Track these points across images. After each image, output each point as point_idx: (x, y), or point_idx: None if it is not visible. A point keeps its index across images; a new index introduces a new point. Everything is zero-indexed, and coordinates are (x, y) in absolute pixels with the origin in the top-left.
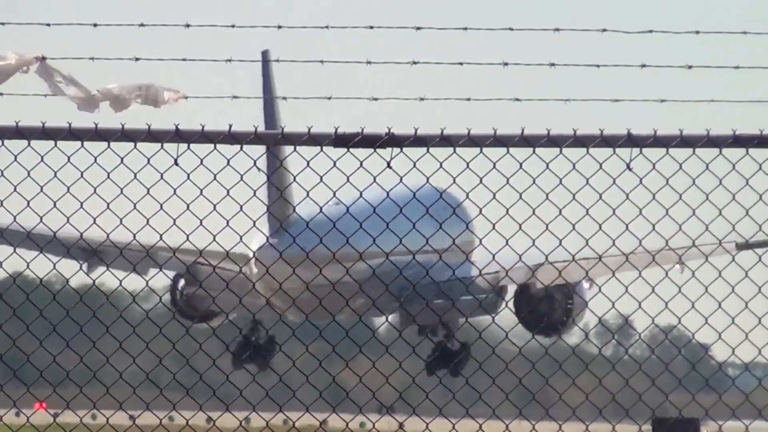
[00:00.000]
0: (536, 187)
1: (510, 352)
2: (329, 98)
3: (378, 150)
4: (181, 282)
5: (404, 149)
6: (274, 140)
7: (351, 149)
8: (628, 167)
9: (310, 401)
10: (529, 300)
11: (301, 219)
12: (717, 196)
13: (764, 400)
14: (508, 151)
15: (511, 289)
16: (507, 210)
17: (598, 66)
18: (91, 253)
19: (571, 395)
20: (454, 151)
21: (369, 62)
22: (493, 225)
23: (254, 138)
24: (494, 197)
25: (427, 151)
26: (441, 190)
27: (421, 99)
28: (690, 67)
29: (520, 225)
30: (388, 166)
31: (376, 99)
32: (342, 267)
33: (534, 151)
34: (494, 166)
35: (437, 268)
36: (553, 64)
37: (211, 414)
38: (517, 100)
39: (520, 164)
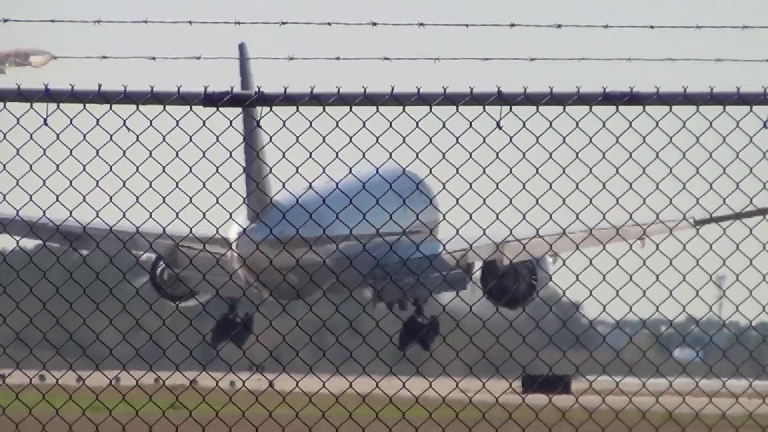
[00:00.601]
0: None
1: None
2: (198, 58)
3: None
4: (161, 264)
5: (274, 108)
6: (143, 99)
7: (220, 108)
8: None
9: (180, 360)
10: (495, 275)
11: (275, 206)
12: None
13: (634, 356)
14: (378, 110)
15: (478, 265)
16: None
17: (467, 26)
18: (70, 239)
19: (442, 352)
20: (324, 110)
21: (238, 23)
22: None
23: (124, 98)
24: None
25: (297, 110)
26: (405, 169)
27: (291, 58)
28: (559, 26)
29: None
30: (258, 125)
31: (247, 59)
32: (316, 249)
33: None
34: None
35: (407, 247)
36: (421, 24)
37: (81, 373)
38: (387, 59)
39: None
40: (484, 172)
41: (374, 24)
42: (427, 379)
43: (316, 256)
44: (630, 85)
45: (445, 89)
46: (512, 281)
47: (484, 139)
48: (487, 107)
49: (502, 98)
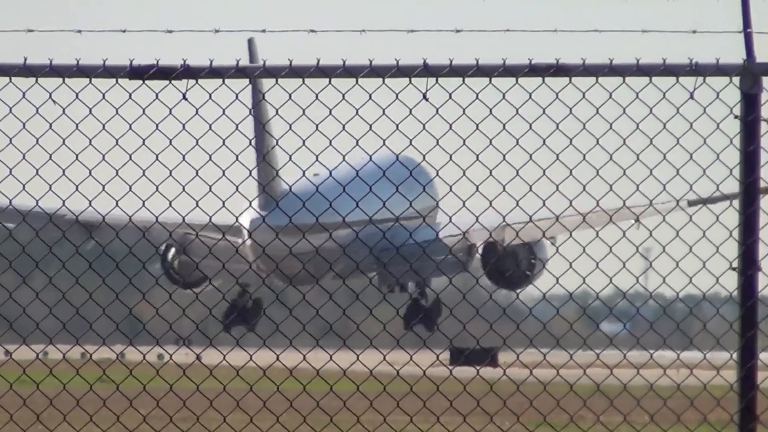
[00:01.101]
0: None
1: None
2: (124, 31)
3: (174, 82)
4: (171, 251)
5: (200, 81)
6: (68, 72)
7: (146, 81)
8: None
9: (106, 333)
10: (495, 257)
11: (289, 191)
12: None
13: (561, 329)
14: (303, 82)
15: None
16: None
17: None
18: (87, 230)
19: (369, 325)
20: (250, 82)
21: None
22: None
23: (50, 71)
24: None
25: (223, 82)
26: (408, 159)
27: (216, 31)
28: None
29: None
30: (184, 97)
31: (170, 31)
32: (326, 235)
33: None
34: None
35: (412, 232)
36: None
37: (8, 347)
38: (312, 31)
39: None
40: (410, 141)
41: None
42: (354, 352)
43: (327, 242)
44: (556, 56)
45: (371, 61)
46: (512, 263)
47: (411, 110)
48: (413, 79)
49: (428, 70)
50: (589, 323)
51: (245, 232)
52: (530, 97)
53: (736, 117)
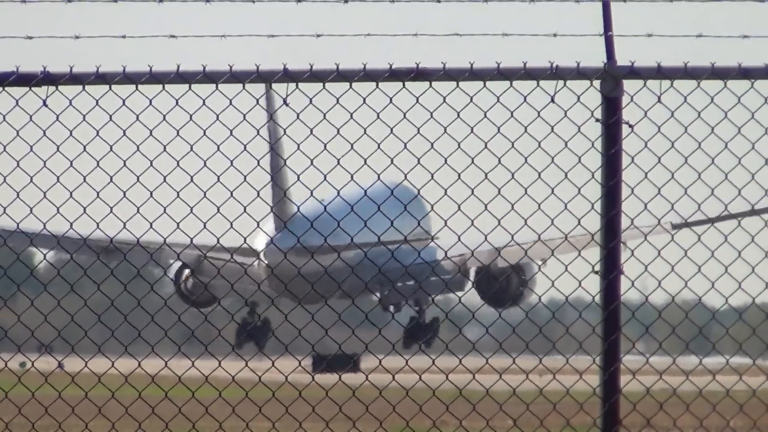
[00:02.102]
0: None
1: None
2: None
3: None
4: (185, 272)
5: (60, 86)
6: None
7: (6, 89)
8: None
9: None
10: (489, 279)
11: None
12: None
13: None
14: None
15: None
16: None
17: (253, 2)
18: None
19: (231, 332)
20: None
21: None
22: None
23: None
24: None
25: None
26: (399, 186)
27: (77, 37)
28: (346, 1)
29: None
30: (44, 104)
31: (30, 38)
32: (335, 257)
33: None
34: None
35: (409, 255)
36: (208, 1)
37: None
38: (173, 36)
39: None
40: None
41: (161, 0)
42: (216, 358)
43: (336, 263)
44: (416, 60)
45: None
46: (505, 284)
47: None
48: (273, 84)
49: (287, 75)
50: (452, 328)
51: (261, 253)
52: (390, 101)
53: (597, 120)
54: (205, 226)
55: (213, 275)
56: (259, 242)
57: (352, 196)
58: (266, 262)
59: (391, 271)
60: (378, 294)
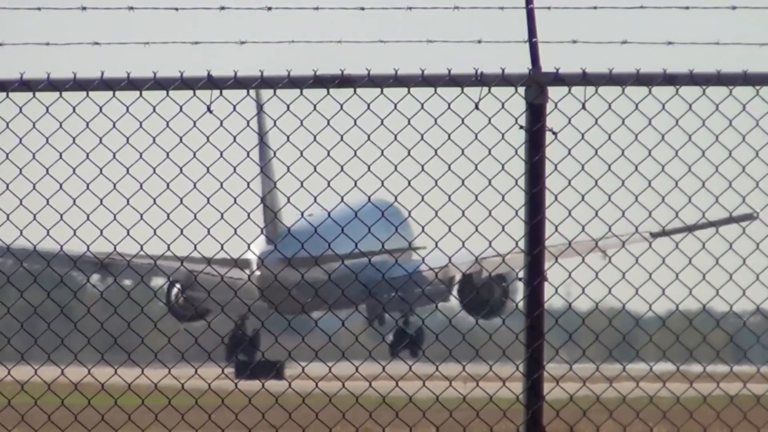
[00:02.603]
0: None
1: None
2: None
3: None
4: (175, 287)
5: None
6: None
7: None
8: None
9: None
10: (472, 289)
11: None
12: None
13: (347, 341)
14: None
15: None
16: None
17: (176, 9)
18: (98, 266)
19: (153, 340)
20: (34, 96)
21: None
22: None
23: None
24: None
25: (7, 96)
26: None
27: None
28: (269, 8)
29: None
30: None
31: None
32: (322, 269)
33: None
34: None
35: (393, 266)
36: (131, 8)
37: None
38: (97, 44)
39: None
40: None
41: (83, 8)
42: (139, 366)
43: (325, 275)
44: (341, 67)
45: (153, 75)
46: (487, 294)
47: (248, 122)
48: (198, 91)
49: (212, 82)
50: (375, 336)
51: (254, 264)
52: (314, 108)
53: (521, 127)
54: (195, 248)
55: (203, 290)
56: (250, 255)
57: (338, 210)
58: (259, 273)
59: (375, 282)
60: (365, 305)
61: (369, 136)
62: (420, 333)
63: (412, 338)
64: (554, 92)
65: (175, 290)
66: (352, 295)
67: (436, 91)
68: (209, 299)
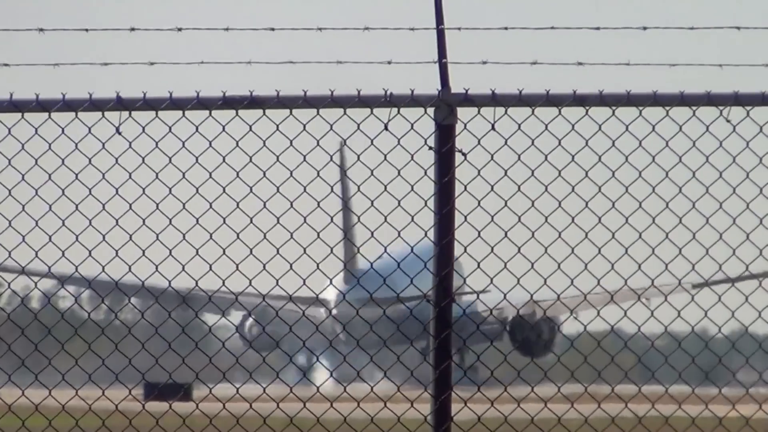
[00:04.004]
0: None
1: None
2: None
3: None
4: (249, 320)
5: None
6: None
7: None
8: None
9: None
10: (523, 330)
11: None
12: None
13: (255, 361)
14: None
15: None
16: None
17: (87, 30)
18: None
19: (62, 360)
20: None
21: None
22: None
23: None
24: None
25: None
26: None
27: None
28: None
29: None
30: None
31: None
32: (394, 307)
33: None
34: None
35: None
36: (42, 29)
37: None
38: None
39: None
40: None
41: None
42: (46, 387)
43: (394, 313)
44: (250, 89)
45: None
46: (535, 336)
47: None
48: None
49: (120, 104)
50: (283, 357)
51: (332, 304)
52: (223, 129)
53: (430, 148)
54: (277, 283)
55: (278, 323)
56: (329, 293)
57: (398, 253)
58: (336, 312)
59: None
60: (424, 341)
61: (278, 158)
62: (475, 366)
63: (471, 373)
64: (464, 113)
65: (248, 323)
66: (412, 331)
67: (345, 112)
68: (283, 332)
